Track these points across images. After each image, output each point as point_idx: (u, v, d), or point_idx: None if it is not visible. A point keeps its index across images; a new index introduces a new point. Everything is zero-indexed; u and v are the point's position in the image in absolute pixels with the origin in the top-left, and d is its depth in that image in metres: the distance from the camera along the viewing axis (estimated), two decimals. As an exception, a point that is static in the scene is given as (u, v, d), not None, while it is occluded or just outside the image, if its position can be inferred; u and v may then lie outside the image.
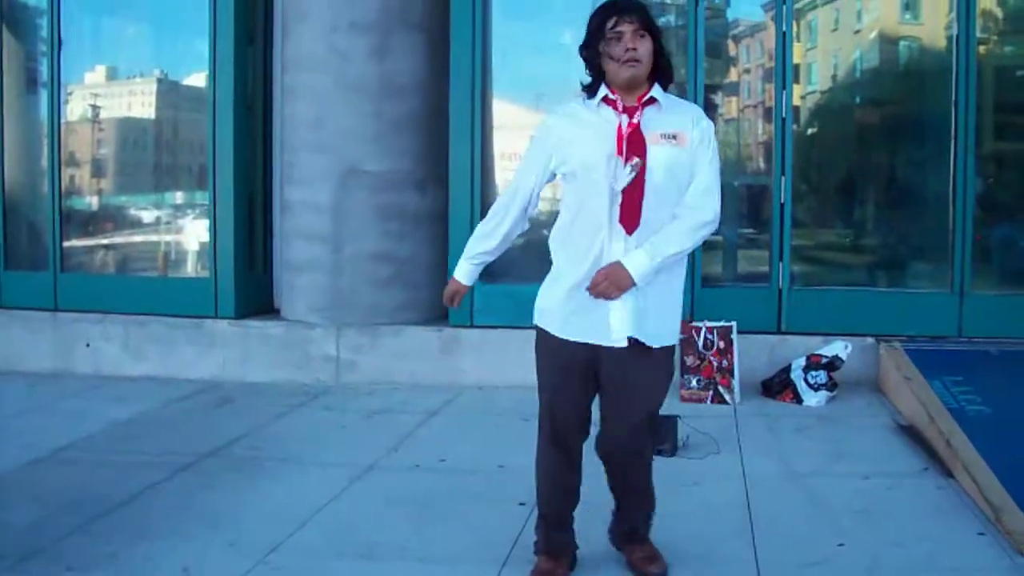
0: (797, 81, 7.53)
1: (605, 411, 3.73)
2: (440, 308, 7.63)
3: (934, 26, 7.71)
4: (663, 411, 3.93)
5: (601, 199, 3.49)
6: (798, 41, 7.56)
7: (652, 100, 3.54)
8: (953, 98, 7.25)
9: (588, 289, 3.48)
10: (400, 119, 7.66)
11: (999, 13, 7.81)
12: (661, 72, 3.58)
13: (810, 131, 8.05)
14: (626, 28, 3.46)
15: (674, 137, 3.51)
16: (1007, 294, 7.55)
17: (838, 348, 6.92)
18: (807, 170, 7.87)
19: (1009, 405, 5.93)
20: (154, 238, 8.77)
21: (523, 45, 8.00)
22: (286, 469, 5.41)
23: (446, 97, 7.60)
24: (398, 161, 7.67)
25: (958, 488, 4.93)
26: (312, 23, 7.63)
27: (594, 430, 3.79)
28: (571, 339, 3.59)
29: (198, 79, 8.43)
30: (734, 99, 7.98)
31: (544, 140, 3.67)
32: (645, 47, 3.48)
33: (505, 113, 7.85)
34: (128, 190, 9.19)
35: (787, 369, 6.92)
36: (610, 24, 3.48)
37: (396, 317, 7.66)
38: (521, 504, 4.70)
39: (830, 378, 6.79)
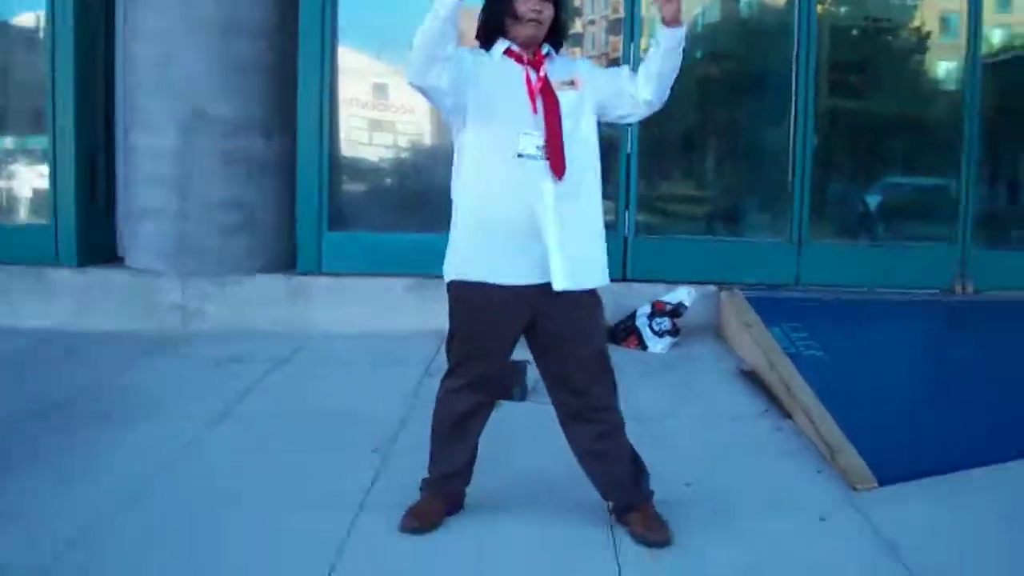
0: (644, 34, 7.63)
1: (556, 365, 3.79)
2: (288, 256, 7.59)
3: (776, -17, 7.91)
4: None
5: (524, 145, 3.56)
6: (645, -5, 7.65)
7: (548, 55, 3.73)
8: (794, 55, 7.49)
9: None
10: (247, 62, 7.49)
11: (840, -27, 8.07)
12: (556, 35, 3.75)
13: (656, 83, 8.16)
14: None
15: (571, 83, 3.69)
16: (842, 244, 7.88)
17: (682, 295, 7.10)
18: (652, 122, 7.89)
19: (843, 351, 6.21)
20: (-12, 183, 8.42)
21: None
22: (137, 417, 5.29)
23: (294, 41, 7.48)
24: (245, 106, 7.51)
25: (797, 429, 5.18)
26: (157, -40, 7.40)
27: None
28: (510, 283, 3.59)
29: (35, 17, 8.07)
30: (578, 50, 8.01)
31: (463, 60, 3.56)
32: (549, 11, 3.64)
33: (351, 59, 7.73)
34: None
35: (632, 316, 7.07)
36: None
37: (243, 264, 7.53)
38: (374, 451, 4.75)
39: (674, 325, 6.97)
